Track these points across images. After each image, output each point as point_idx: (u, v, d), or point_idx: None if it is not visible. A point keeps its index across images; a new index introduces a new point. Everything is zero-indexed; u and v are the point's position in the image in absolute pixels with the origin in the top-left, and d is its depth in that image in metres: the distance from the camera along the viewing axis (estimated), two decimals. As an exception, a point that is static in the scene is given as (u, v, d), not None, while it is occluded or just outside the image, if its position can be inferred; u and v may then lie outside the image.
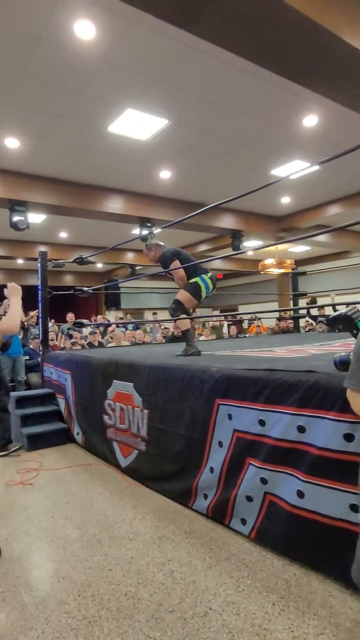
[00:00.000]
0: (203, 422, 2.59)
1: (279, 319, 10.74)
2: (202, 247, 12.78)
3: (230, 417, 2.41)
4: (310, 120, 5.52)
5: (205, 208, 3.53)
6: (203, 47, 3.83)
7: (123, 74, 4.36)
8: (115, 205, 7.95)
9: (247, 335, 11.10)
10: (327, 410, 1.85)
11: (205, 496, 2.56)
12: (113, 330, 9.46)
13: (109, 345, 7.83)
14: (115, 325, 9.55)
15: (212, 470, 2.51)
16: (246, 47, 3.54)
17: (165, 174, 7.24)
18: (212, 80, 4.54)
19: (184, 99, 4.91)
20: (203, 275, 3.78)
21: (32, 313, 8.02)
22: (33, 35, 3.72)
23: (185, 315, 3.84)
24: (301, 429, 1.98)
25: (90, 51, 3.96)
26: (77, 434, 4.19)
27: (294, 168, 7.13)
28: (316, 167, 6.99)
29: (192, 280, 3.77)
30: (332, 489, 1.81)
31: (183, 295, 3.73)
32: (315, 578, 1.90)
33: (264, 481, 2.17)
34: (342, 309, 2.04)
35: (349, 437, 1.76)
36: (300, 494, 1.95)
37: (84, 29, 3.65)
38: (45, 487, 3.19)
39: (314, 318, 9.74)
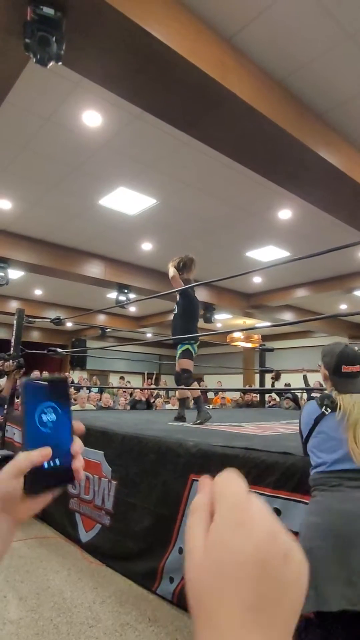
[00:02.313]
0: (175, 498, 2.56)
1: (244, 391, 10.87)
2: (174, 316, 13.09)
3: (203, 494, 2.40)
4: (285, 214, 6.10)
5: (191, 285, 3.77)
6: (194, 144, 4.29)
7: (121, 158, 4.76)
8: (95, 269, 8.18)
9: (211, 406, 11.10)
10: (302, 494, 1.91)
11: (172, 580, 2.46)
12: (77, 392, 9.25)
13: (73, 407, 7.62)
14: (74, 387, 9.35)
15: (180, 551, 2.45)
16: (234, 150, 4.02)
17: (147, 246, 7.62)
18: (199, 172, 5.03)
19: (173, 184, 5.36)
20: (194, 344, 4.03)
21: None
22: (43, 116, 4.07)
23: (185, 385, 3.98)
24: (277, 512, 2.01)
25: (94, 136, 4.34)
26: (35, 502, 3.96)
27: (268, 253, 7.69)
28: (287, 254, 7.59)
29: (185, 348, 3.97)
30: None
31: (186, 363, 3.92)
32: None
33: (235, 565, 2.14)
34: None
35: (322, 523, 1.81)
36: (273, 581, 1.94)
37: (91, 118, 4.04)
38: (-2, 561, 2.96)
39: (279, 394, 9.94)
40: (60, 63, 2.48)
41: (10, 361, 4.06)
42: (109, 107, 3.90)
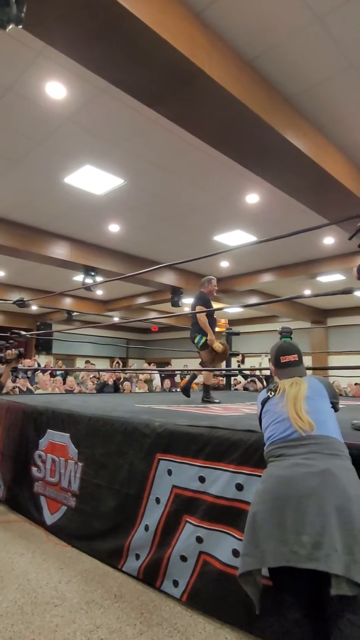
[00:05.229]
0: (141, 477, 2.58)
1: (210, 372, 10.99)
2: (141, 300, 13.01)
3: (170, 472, 2.44)
4: (252, 198, 6.12)
5: (157, 267, 3.73)
6: (162, 123, 4.20)
7: (86, 135, 4.60)
8: (60, 251, 7.97)
9: (178, 390, 11.19)
10: (264, 470, 1.96)
11: (137, 556, 2.49)
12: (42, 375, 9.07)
13: (37, 392, 7.49)
14: (41, 371, 9.17)
15: (147, 528, 2.48)
16: (203, 131, 3.97)
17: (114, 228, 7.47)
18: (168, 152, 4.94)
19: (141, 165, 5.25)
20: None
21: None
22: (3, 85, 3.86)
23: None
24: (239, 487, 2.07)
25: (58, 109, 4.17)
26: (-1, 486, 3.89)
27: (235, 237, 7.73)
28: (254, 239, 7.65)
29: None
30: (267, 548, 1.88)
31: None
32: (246, 641, 1.91)
33: (199, 540, 2.19)
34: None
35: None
36: (236, 553, 2.00)
37: (55, 90, 3.87)
38: None
39: (245, 377, 10.13)
40: (20, 27, 2.34)
41: (12, 349, 3.93)
42: (73, 79, 3.74)
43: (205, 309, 4.42)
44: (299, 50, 3.45)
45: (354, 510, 1.39)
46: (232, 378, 10.45)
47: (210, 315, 4.58)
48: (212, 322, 4.62)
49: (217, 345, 4.53)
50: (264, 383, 9.31)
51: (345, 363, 11.14)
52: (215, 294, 4.83)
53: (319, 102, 4.07)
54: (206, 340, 4.49)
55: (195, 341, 4.58)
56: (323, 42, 3.34)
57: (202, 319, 4.47)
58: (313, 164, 4.38)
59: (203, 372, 4.87)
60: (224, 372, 9.91)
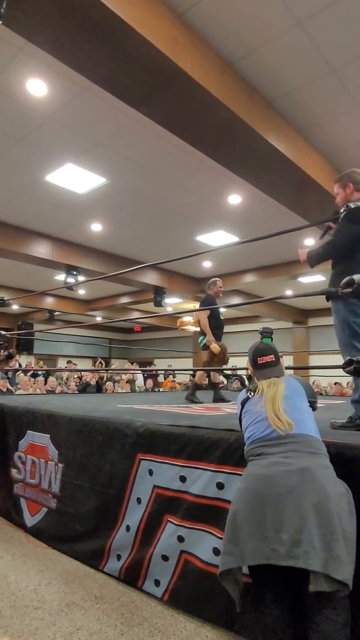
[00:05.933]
0: (122, 478, 2.58)
1: (193, 375, 11.04)
2: (124, 300, 12.96)
3: (151, 472, 2.44)
4: (235, 199, 6.16)
5: (139, 267, 3.73)
6: (145, 123, 4.19)
7: (68, 133, 4.56)
8: (42, 249, 7.88)
9: (161, 390, 11.21)
10: (244, 468, 1.98)
11: (119, 557, 2.49)
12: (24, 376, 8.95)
13: (18, 392, 7.39)
14: (22, 371, 9.06)
15: (128, 528, 2.47)
16: (184, 131, 3.98)
17: (96, 227, 7.42)
18: (151, 152, 4.94)
19: (124, 164, 5.23)
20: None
21: None
22: (-18, 81, 3.80)
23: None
24: (220, 486, 2.08)
25: (39, 107, 4.12)
26: (-23, 489, 3.82)
27: (218, 237, 7.77)
28: (236, 239, 7.71)
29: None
30: (247, 545, 1.90)
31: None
32: (227, 639, 1.92)
33: (180, 539, 2.20)
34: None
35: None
36: (217, 552, 2.01)
37: (36, 87, 3.82)
38: None
39: (227, 376, 10.19)
40: (0, 22, 2.32)
41: (1, 351, 3.82)
42: (55, 77, 3.70)
43: (208, 312, 4.65)
44: (280, 54, 3.49)
45: (331, 508, 1.41)
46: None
47: (216, 317, 4.72)
48: (219, 323, 4.77)
49: (214, 347, 4.61)
50: (246, 383, 9.40)
51: (325, 363, 11.31)
52: (221, 295, 4.95)
53: (300, 105, 4.12)
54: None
55: (199, 341, 4.79)
56: (304, 46, 3.39)
57: (203, 320, 4.63)
58: (294, 166, 4.44)
59: (197, 371, 4.98)
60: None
